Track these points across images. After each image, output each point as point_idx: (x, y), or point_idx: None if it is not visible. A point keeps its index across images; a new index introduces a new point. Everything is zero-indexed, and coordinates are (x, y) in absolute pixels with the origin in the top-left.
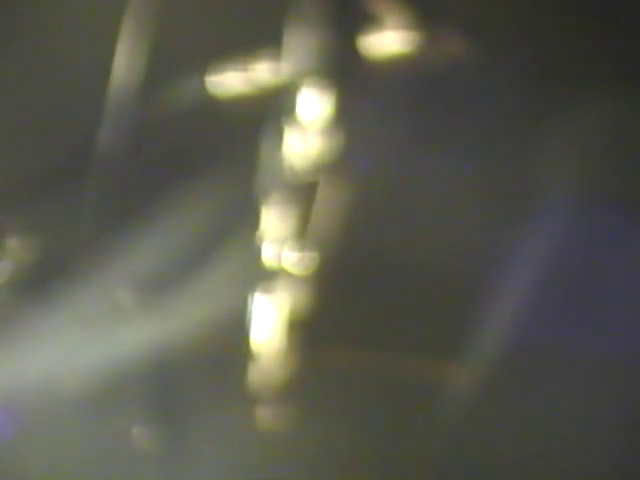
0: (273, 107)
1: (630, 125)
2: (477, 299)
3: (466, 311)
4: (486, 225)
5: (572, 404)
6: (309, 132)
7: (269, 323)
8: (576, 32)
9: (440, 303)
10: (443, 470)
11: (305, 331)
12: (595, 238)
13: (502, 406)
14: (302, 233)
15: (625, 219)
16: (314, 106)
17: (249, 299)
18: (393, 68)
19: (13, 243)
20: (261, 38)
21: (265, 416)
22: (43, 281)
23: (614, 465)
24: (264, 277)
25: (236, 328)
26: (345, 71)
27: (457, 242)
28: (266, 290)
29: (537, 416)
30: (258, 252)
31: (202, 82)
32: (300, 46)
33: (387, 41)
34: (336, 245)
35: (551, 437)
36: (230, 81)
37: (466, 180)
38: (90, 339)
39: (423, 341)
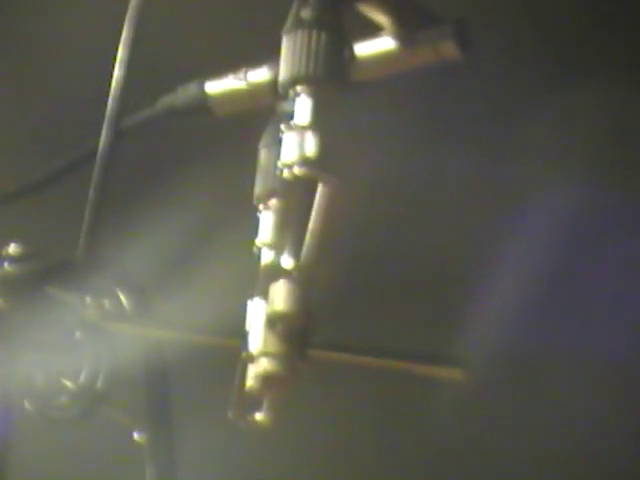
0: (269, 109)
1: (630, 116)
2: (472, 299)
3: (462, 311)
4: (480, 224)
5: (568, 405)
6: (305, 134)
7: (264, 325)
8: (575, 21)
9: (435, 304)
10: (438, 471)
11: (301, 333)
12: (593, 236)
13: (497, 407)
14: (298, 235)
15: (624, 215)
16: (310, 108)
17: (245, 301)
18: (388, 69)
19: (9, 245)
20: (257, 40)
21: (260, 418)
22: (39, 283)
23: (611, 466)
24: (260, 279)
25: (232, 330)
26: (340, 73)
27: (450, 240)
28: (262, 292)
29: (532, 417)
30: (254, 254)
31: (198, 84)
32: (296, 48)
33: (382, 43)
34: (333, 247)
35: (547, 438)
36: (226, 83)
37: (461, 178)
38: (87, 340)
39: (418, 343)
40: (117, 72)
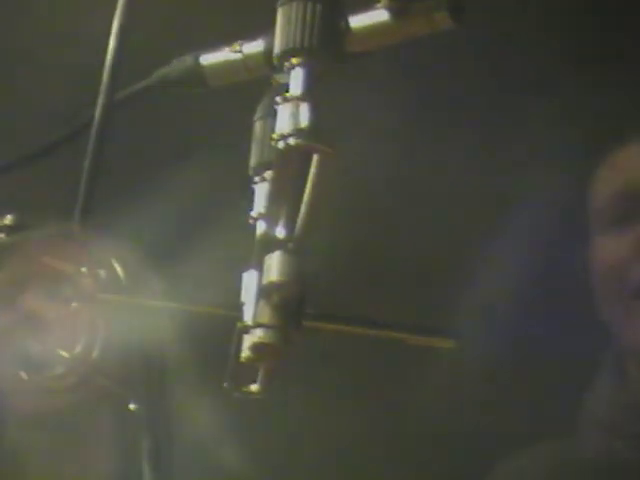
0: (263, 84)
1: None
2: (468, 293)
3: (459, 299)
4: (476, 221)
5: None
6: (300, 106)
7: (260, 296)
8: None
9: (432, 291)
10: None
11: (296, 303)
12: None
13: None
14: (293, 206)
15: None
16: (305, 80)
17: (241, 277)
18: (383, 40)
19: (5, 216)
20: (253, 12)
21: (255, 389)
22: (35, 253)
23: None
24: (255, 250)
25: (229, 301)
26: (335, 45)
27: (450, 233)
28: (257, 263)
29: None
30: (250, 230)
31: (194, 56)
32: (291, 19)
33: (377, 14)
34: (328, 222)
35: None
36: (221, 55)
37: (462, 173)
38: (83, 311)
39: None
40: (112, 44)
